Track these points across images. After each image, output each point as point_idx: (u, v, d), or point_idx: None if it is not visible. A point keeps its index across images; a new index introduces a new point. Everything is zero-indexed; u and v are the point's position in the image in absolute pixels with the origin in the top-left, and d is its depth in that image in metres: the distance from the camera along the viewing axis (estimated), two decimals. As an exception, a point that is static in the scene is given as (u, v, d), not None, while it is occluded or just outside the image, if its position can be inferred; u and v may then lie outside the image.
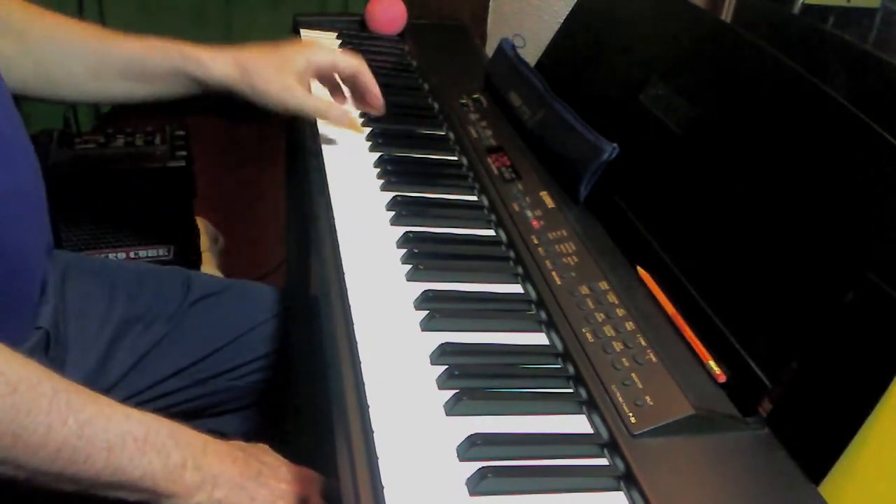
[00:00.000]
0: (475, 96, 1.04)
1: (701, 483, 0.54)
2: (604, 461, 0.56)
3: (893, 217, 0.56)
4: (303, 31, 1.24)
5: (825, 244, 0.59)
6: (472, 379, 0.60)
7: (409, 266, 0.72)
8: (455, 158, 0.93)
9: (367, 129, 0.92)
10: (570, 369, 0.62)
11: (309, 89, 0.86)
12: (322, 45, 0.85)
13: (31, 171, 0.74)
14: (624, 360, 0.61)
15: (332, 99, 0.92)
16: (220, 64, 0.82)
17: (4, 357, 0.55)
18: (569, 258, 0.73)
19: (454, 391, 0.58)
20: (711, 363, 0.62)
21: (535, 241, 0.75)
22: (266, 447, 0.69)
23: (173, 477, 0.59)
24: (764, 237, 0.64)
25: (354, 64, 0.85)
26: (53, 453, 0.55)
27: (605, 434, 0.57)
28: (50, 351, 0.77)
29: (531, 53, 1.07)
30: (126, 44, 0.84)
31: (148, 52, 0.83)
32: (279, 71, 0.81)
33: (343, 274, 0.69)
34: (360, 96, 0.90)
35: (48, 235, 0.78)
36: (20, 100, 0.78)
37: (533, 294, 0.71)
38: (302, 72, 0.82)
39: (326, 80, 0.92)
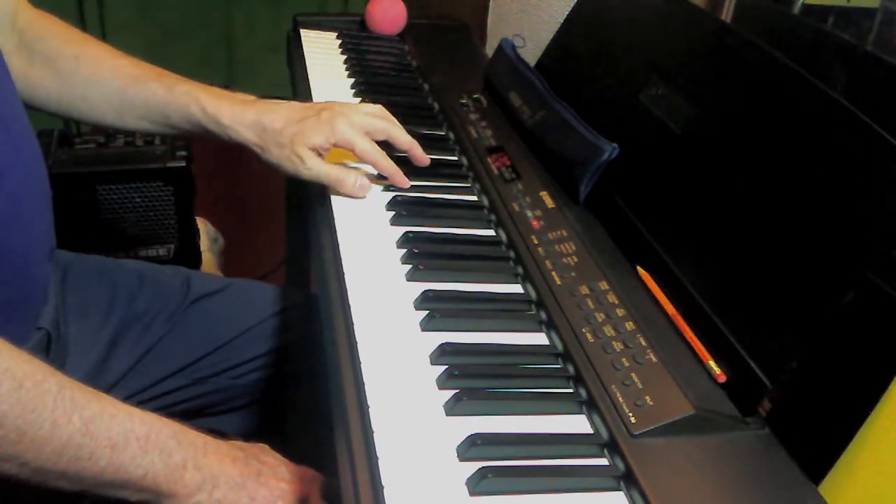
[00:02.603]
0: (475, 96, 1.04)
1: (701, 483, 0.54)
2: (604, 461, 0.56)
3: (893, 217, 0.56)
4: (303, 31, 1.24)
5: (825, 244, 0.59)
6: (472, 379, 0.60)
7: (409, 266, 0.72)
8: (455, 158, 0.93)
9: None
10: (570, 369, 0.62)
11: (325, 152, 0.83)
12: (351, 121, 0.81)
13: (39, 173, 0.74)
14: (624, 360, 0.61)
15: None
16: (240, 128, 0.81)
17: (10, 353, 0.55)
18: (569, 258, 0.73)
19: (454, 391, 0.58)
20: (711, 363, 0.62)
21: (535, 241, 0.75)
22: (265, 447, 0.69)
23: (174, 477, 0.59)
24: (764, 237, 0.64)
25: (370, 157, 0.81)
26: (58, 450, 0.55)
27: (605, 434, 0.57)
28: (51, 351, 0.78)
29: (531, 53, 1.07)
30: (150, 87, 0.83)
31: (170, 102, 0.83)
32: (293, 143, 0.79)
33: (343, 274, 0.69)
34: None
35: (51, 237, 0.78)
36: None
37: (533, 294, 0.71)
38: (318, 147, 0.80)
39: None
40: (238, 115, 0.82)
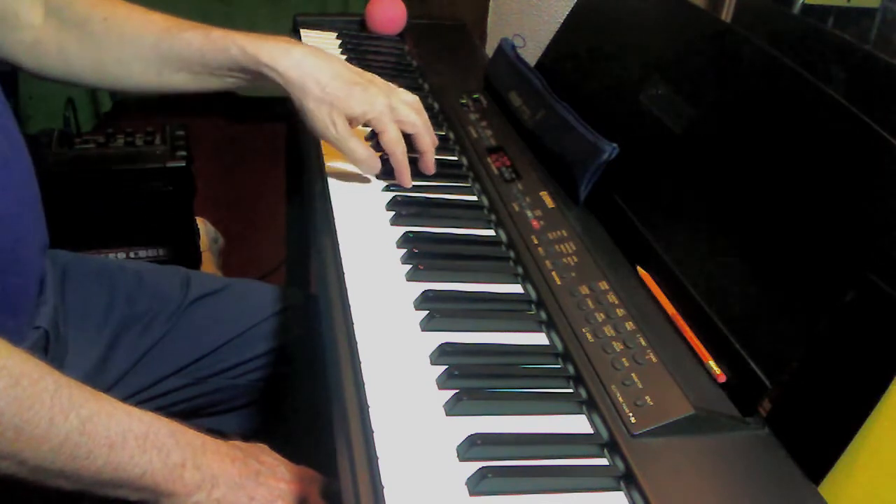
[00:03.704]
0: (475, 96, 1.04)
1: (701, 483, 0.54)
2: (604, 461, 0.56)
3: (893, 217, 0.56)
4: (303, 31, 1.25)
5: (825, 244, 0.59)
6: (472, 379, 0.60)
7: (409, 266, 0.72)
8: (455, 158, 0.93)
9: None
10: (570, 369, 0.62)
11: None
12: (391, 105, 0.81)
13: (24, 168, 0.74)
14: (624, 360, 0.61)
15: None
16: (280, 66, 0.79)
17: (6, 351, 0.55)
18: (569, 258, 0.72)
19: (454, 391, 0.58)
20: (711, 363, 0.62)
21: (535, 241, 0.75)
22: (265, 447, 0.69)
23: (173, 476, 0.59)
24: (764, 237, 0.64)
25: (392, 147, 0.81)
26: (56, 448, 0.55)
27: (605, 434, 0.57)
28: (49, 351, 0.77)
29: (531, 53, 1.07)
30: (185, 36, 0.82)
31: (207, 48, 0.81)
32: (333, 105, 0.78)
33: (343, 274, 0.69)
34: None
35: (43, 233, 0.78)
36: (20, 100, 0.78)
37: (533, 294, 0.71)
38: (354, 117, 0.80)
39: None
40: (280, 52, 0.79)
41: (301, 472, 0.68)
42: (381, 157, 0.84)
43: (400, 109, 0.81)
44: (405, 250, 0.74)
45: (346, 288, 0.67)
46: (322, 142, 0.88)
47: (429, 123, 0.85)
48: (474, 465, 0.52)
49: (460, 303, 0.69)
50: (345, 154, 0.82)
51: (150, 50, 0.82)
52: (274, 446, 0.70)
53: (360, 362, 0.59)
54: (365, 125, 0.83)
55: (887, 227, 0.56)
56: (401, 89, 0.85)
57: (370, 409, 0.55)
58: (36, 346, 0.76)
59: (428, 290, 0.68)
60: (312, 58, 0.80)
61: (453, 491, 0.51)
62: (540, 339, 0.67)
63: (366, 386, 0.57)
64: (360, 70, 0.84)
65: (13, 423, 0.53)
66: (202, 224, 1.67)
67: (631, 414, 0.57)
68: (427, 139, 0.85)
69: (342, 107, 0.79)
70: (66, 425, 0.55)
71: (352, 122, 0.81)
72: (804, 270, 0.60)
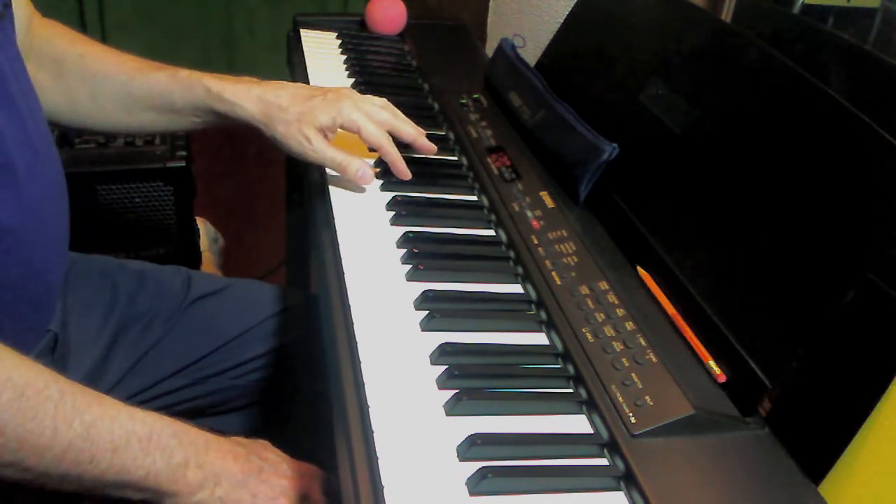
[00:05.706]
0: (475, 96, 1.04)
1: (701, 483, 0.54)
2: (604, 461, 0.56)
3: (893, 217, 0.56)
4: (303, 31, 1.25)
5: (825, 244, 0.59)
6: (472, 379, 0.60)
7: (409, 266, 0.72)
8: (455, 158, 0.93)
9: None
10: (570, 369, 0.62)
11: (331, 135, 0.83)
12: (357, 105, 0.81)
13: (59, 181, 0.75)
14: (624, 360, 0.61)
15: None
16: (245, 103, 0.81)
17: (12, 361, 0.56)
18: (569, 258, 0.73)
19: (454, 391, 0.58)
20: (711, 363, 0.62)
21: (535, 241, 0.75)
22: (267, 443, 0.69)
23: (176, 476, 0.59)
24: (764, 237, 0.64)
25: (376, 139, 0.81)
26: (59, 455, 0.55)
27: (605, 434, 0.57)
28: (55, 351, 0.78)
29: (531, 53, 1.07)
30: (154, 76, 0.84)
31: (174, 87, 0.84)
32: (300, 122, 0.80)
33: (343, 274, 0.69)
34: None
35: (66, 241, 0.78)
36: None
37: (533, 294, 0.71)
38: (325, 127, 0.80)
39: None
40: (242, 91, 0.82)
41: (302, 468, 0.68)
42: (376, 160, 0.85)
43: (368, 108, 0.82)
44: (405, 250, 0.74)
45: (346, 288, 0.67)
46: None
47: (401, 115, 0.85)
48: (474, 465, 0.52)
49: (460, 303, 0.69)
50: (329, 166, 0.82)
51: (120, 88, 0.85)
52: (275, 445, 0.70)
53: (360, 362, 0.59)
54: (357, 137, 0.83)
55: (887, 227, 0.56)
56: (367, 95, 0.86)
57: (370, 409, 0.55)
58: (45, 349, 0.76)
59: (428, 290, 0.68)
60: (271, 89, 0.82)
61: (453, 491, 0.51)
62: (540, 339, 0.67)
63: (366, 386, 0.57)
64: (317, 86, 0.85)
65: (17, 434, 0.54)
66: (202, 224, 1.67)
67: (631, 414, 0.57)
68: (407, 128, 0.85)
69: (309, 121, 0.80)
70: (70, 433, 0.56)
71: (326, 133, 0.81)
72: (804, 270, 0.60)
